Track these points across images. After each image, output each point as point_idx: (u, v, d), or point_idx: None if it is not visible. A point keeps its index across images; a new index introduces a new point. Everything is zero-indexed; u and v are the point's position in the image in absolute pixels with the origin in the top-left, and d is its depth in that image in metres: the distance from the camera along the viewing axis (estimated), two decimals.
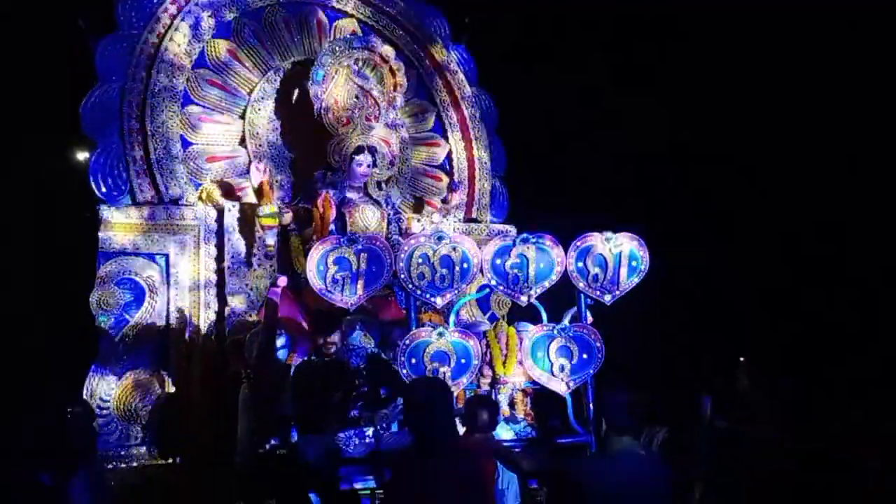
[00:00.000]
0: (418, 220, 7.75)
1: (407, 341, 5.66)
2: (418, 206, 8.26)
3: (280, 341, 6.29)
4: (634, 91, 10.73)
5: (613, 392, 3.92)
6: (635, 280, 6.12)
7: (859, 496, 6.33)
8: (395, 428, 5.93)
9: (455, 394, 5.63)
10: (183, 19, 7.39)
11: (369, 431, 5.63)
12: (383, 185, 7.62)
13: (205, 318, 7.06)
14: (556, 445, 5.86)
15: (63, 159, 9.65)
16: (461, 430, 5.25)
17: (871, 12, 9.84)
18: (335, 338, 6.07)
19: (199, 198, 7.30)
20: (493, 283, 5.99)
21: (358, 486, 5.41)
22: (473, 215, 8.48)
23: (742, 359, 8.00)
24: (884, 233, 9.96)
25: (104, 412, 6.66)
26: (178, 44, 7.35)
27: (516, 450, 5.24)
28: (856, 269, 10.25)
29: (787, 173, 10.79)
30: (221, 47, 7.63)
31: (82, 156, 9.22)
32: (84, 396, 6.58)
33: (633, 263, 6.10)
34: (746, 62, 10.87)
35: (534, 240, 5.96)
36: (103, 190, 7.02)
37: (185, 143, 7.39)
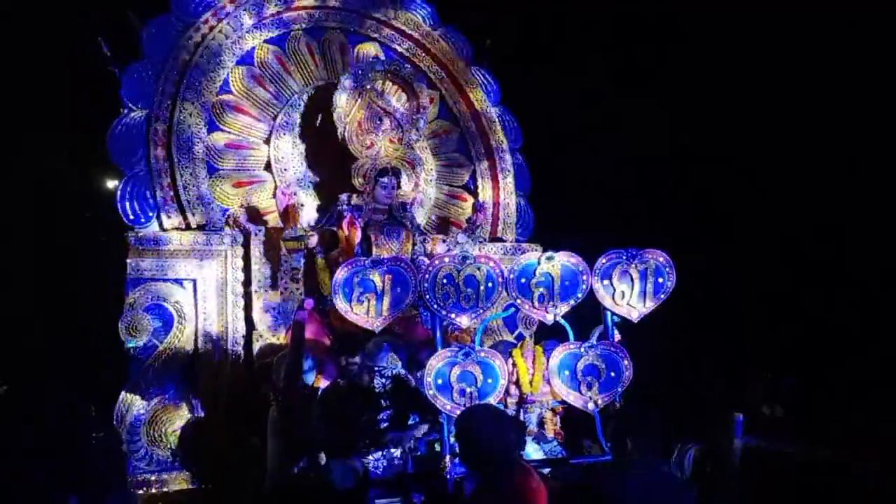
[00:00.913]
0: (443, 241, 7.76)
1: (433, 362, 5.64)
2: (443, 227, 8.28)
3: (307, 364, 6.31)
4: (635, 93, 10.74)
5: (636, 409, 3.88)
6: (662, 297, 6.07)
7: (859, 498, 6.22)
8: (421, 449, 5.92)
9: None
10: (206, 47, 7.48)
11: (396, 453, 5.61)
12: (408, 206, 7.64)
13: (232, 342, 7.11)
14: (584, 464, 5.81)
15: (92, 186, 9.80)
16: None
17: (870, 13, 9.79)
18: (356, 359, 6.08)
19: (226, 223, 7.36)
20: (519, 302, 5.97)
21: None
22: (499, 234, 8.47)
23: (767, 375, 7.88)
24: (884, 234, 9.88)
25: (135, 437, 6.71)
26: (203, 70, 7.43)
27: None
28: (856, 271, 10.16)
29: (787, 175, 10.74)
30: (244, 73, 7.72)
31: (112, 183, 9.36)
32: (114, 422, 6.63)
33: (660, 280, 6.05)
34: (747, 64, 10.86)
35: (559, 258, 5.94)
36: (131, 217, 7.10)
37: (212, 169, 7.47)
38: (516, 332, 8.18)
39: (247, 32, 7.72)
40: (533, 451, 6.01)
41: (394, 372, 6.36)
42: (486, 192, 8.53)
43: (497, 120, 8.63)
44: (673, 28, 10.84)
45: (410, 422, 6.09)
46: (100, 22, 7.62)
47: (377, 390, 6.10)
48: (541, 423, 6.64)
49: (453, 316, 5.80)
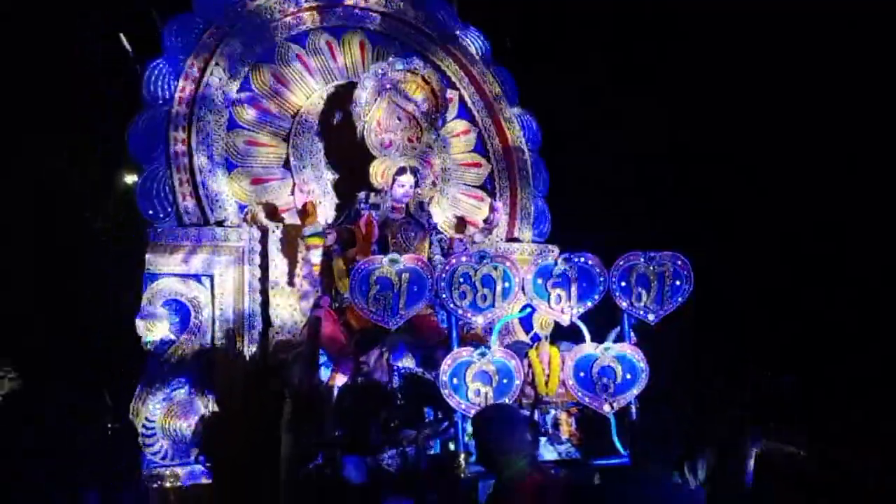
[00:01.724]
0: (460, 240, 7.75)
1: (448, 361, 5.63)
2: (460, 226, 8.27)
3: (322, 361, 6.33)
4: (634, 91, 10.71)
5: (646, 415, 3.86)
6: (679, 300, 6.05)
7: (859, 497, 6.19)
8: (437, 447, 5.92)
9: None
10: (228, 45, 7.51)
11: (410, 451, 5.62)
12: (425, 205, 7.64)
13: (249, 339, 7.13)
14: (597, 466, 5.80)
15: (111, 182, 9.87)
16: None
17: (870, 12, 9.74)
18: (371, 357, 6.08)
19: (244, 219, 7.38)
20: (535, 302, 5.96)
21: None
22: (515, 235, 8.46)
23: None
24: (884, 232, 9.82)
25: (150, 431, 6.74)
26: (223, 69, 7.47)
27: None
28: (856, 269, 10.11)
29: (787, 173, 10.71)
30: (266, 72, 7.74)
31: (130, 179, 9.43)
32: (130, 416, 6.66)
33: (678, 283, 6.03)
34: (747, 62, 10.83)
35: (576, 259, 5.93)
36: (150, 212, 7.14)
37: (231, 166, 7.50)
38: (532, 333, 8.17)
39: (260, 39, 7.74)
40: (547, 453, 5.99)
41: (409, 370, 6.37)
42: (503, 193, 8.51)
43: (516, 120, 8.62)
44: (673, 26, 10.83)
45: (425, 420, 6.09)
46: (121, 18, 7.68)
47: (392, 388, 6.11)
48: (555, 425, 6.63)
49: (469, 315, 5.79)
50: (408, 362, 6.50)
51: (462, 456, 5.55)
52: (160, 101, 7.29)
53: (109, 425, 4.67)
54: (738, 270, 10.20)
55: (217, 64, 7.43)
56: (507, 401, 5.64)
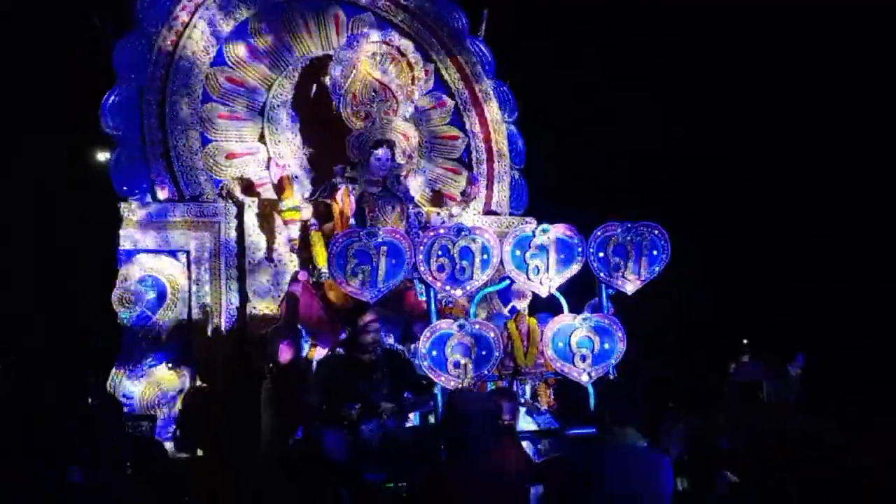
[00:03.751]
0: (437, 214, 7.74)
1: (427, 333, 5.63)
2: (437, 200, 8.25)
3: (301, 335, 6.32)
4: (630, 87, 10.72)
5: (616, 382, 3.85)
6: (657, 269, 6.07)
7: (855, 493, 6.26)
8: (415, 420, 5.94)
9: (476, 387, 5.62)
10: (200, 17, 7.42)
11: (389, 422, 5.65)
12: (402, 178, 7.61)
13: (226, 314, 7.10)
14: (573, 436, 5.83)
15: (81, 159, 9.74)
16: None
17: (865, 10, 9.79)
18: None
19: (220, 194, 7.33)
20: (514, 274, 5.96)
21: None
22: (492, 208, 8.46)
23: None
24: (880, 228, 9.92)
25: (127, 409, 6.70)
26: (196, 41, 7.38)
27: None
28: (851, 265, 10.20)
29: (782, 169, 10.78)
30: (239, 44, 7.66)
31: (102, 156, 9.31)
32: (109, 391, 6.64)
33: (655, 253, 6.05)
34: (742, 59, 10.88)
35: (554, 230, 5.93)
36: (124, 188, 7.08)
37: (205, 140, 7.43)
38: (510, 306, 8.17)
39: (241, 3, 7.64)
40: (525, 424, 6.02)
41: (386, 345, 6.37)
42: (480, 165, 8.49)
43: (492, 92, 8.59)
44: (668, 22, 10.84)
45: (405, 395, 6.10)
46: None
47: (371, 361, 6.10)
48: (534, 395, 6.67)
49: (448, 288, 5.79)
50: (385, 336, 6.49)
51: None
52: (132, 76, 7.20)
53: (91, 401, 4.65)
54: (732, 265, 10.29)
55: (189, 37, 7.34)
56: (485, 372, 5.66)
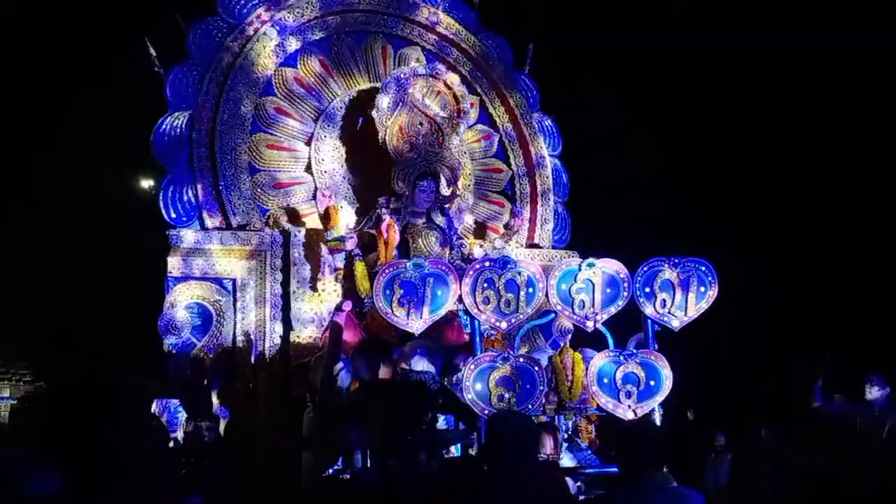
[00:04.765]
0: (481, 246, 7.74)
1: (472, 366, 5.62)
2: (481, 232, 8.27)
3: (343, 365, 6.31)
4: (676, 121, 10.77)
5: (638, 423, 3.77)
6: (704, 306, 6.02)
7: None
8: (456, 451, 5.90)
9: None
10: (252, 49, 7.55)
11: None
12: (446, 210, 7.64)
13: (270, 342, 7.14)
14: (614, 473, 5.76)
15: (131, 185, 9.92)
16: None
17: None
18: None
19: (266, 223, 7.40)
20: (559, 308, 5.94)
21: None
22: (536, 241, 8.45)
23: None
24: None
25: (172, 435, 6.74)
26: (247, 72, 7.51)
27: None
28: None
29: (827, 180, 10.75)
30: (288, 76, 7.78)
31: (149, 183, 9.47)
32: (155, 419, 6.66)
33: (702, 289, 6.00)
34: (787, 96, 10.94)
35: (600, 265, 5.91)
36: (172, 216, 7.19)
37: (253, 170, 7.52)
38: (551, 340, 8.14)
39: (290, 35, 7.77)
40: (566, 460, 5.96)
41: (422, 376, 6.34)
42: (523, 198, 8.50)
43: (537, 126, 8.62)
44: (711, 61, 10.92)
45: (442, 425, 6.07)
46: (146, 25, 7.73)
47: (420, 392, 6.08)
48: (575, 431, 6.61)
49: (493, 320, 5.78)
50: (427, 367, 6.47)
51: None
52: (183, 105, 7.33)
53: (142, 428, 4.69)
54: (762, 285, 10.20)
55: (241, 68, 7.48)
56: (529, 406, 5.62)
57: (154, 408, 6.77)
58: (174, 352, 6.96)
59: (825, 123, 10.79)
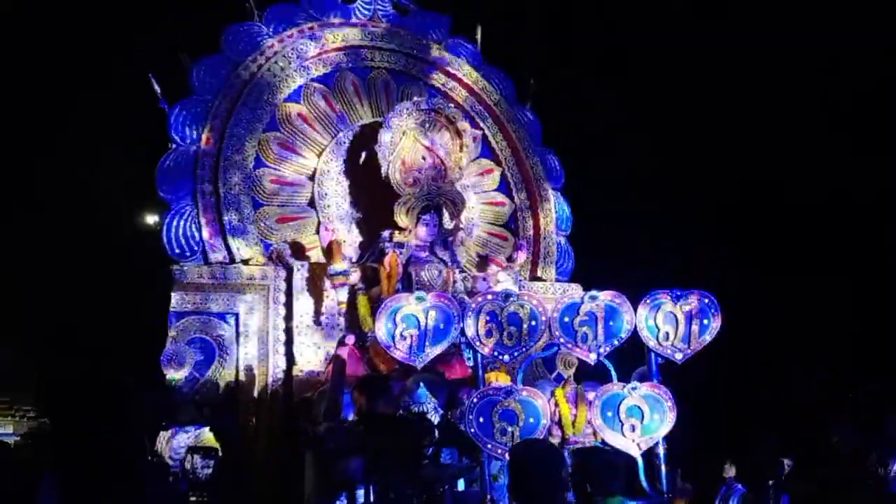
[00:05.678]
0: (484, 279, 7.74)
1: (475, 400, 5.60)
2: (483, 265, 8.25)
3: (346, 399, 6.29)
4: (678, 149, 10.79)
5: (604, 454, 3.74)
6: (707, 338, 6.01)
7: None
8: (461, 486, 5.86)
9: None
10: (255, 85, 7.62)
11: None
12: (449, 243, 7.65)
13: (273, 377, 7.12)
14: None
15: (133, 220, 9.95)
16: None
17: None
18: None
19: (269, 258, 7.42)
20: (562, 341, 5.93)
21: None
22: (538, 274, 8.45)
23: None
24: None
25: (173, 469, 6.70)
26: (252, 108, 7.57)
27: None
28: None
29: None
30: (292, 111, 7.84)
31: (152, 219, 9.50)
32: (157, 452, 6.65)
33: (705, 322, 5.99)
34: (791, 118, 10.93)
35: (603, 297, 5.90)
36: (176, 251, 7.20)
37: (256, 204, 7.55)
38: (555, 373, 8.11)
39: (294, 71, 7.85)
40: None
41: (422, 409, 6.30)
42: (526, 231, 8.52)
43: (539, 159, 8.66)
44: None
45: (445, 460, 6.03)
46: (151, 60, 7.81)
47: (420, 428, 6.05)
48: None
49: (496, 354, 5.77)
50: (430, 401, 6.44)
51: (488, 497, 5.52)
52: (188, 141, 7.39)
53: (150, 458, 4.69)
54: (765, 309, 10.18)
55: (244, 104, 7.54)
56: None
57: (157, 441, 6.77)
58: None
59: (825, 123, 10.81)
